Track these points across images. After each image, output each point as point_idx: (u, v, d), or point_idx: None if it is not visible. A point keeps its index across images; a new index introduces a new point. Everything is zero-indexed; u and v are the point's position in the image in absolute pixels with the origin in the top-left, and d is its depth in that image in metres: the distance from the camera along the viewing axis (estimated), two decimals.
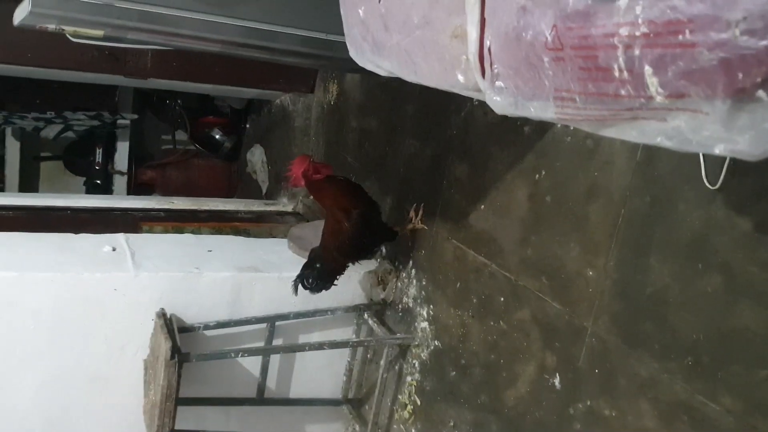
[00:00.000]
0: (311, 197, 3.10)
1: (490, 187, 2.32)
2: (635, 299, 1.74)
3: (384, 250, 2.97)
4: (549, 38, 0.77)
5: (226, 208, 3.90)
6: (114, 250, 2.77)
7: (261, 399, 2.91)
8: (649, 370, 1.69)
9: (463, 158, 2.48)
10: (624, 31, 0.66)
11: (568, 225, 1.98)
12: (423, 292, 2.69)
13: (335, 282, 2.61)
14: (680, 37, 0.60)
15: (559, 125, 1.99)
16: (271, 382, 2.95)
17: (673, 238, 1.65)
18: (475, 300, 2.38)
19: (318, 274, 2.55)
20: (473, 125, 2.44)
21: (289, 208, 4.03)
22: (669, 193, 1.67)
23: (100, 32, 2.03)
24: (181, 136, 5.28)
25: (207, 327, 2.71)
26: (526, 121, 2.14)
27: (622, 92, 0.70)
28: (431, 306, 2.64)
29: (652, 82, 0.66)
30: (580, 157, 1.94)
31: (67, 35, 2.08)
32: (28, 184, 5.21)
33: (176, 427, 2.44)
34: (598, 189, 1.88)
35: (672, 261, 1.64)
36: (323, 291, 2.60)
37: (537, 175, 2.10)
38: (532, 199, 2.13)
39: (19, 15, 1.99)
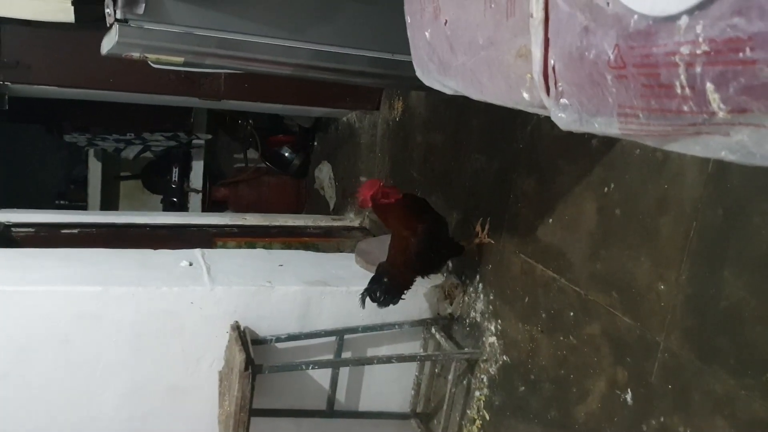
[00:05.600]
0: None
1: (557, 201, 2.31)
2: (709, 314, 1.71)
3: (450, 265, 2.98)
4: (611, 57, 0.79)
5: (296, 224, 3.99)
6: (190, 265, 2.87)
7: (331, 411, 2.95)
8: (724, 386, 1.65)
9: (530, 172, 2.48)
10: (685, 50, 0.68)
11: (638, 238, 1.95)
12: (490, 307, 2.69)
13: (403, 296, 2.63)
14: (741, 54, 0.62)
15: None
16: (341, 395, 2.99)
17: (748, 251, 1.61)
18: (543, 315, 2.36)
19: (385, 288, 2.56)
20: (540, 139, 2.43)
21: (356, 223, 4.09)
22: (743, 205, 1.63)
23: (180, 59, 2.14)
24: (252, 154, 5.43)
25: (278, 339, 2.78)
26: (593, 134, 2.12)
27: (685, 108, 0.71)
28: (499, 321, 2.63)
29: (714, 98, 0.67)
30: (649, 169, 1.92)
31: (149, 62, 2.19)
32: (108, 203, 5.44)
33: None
34: (668, 201, 1.85)
35: (747, 274, 1.61)
36: (391, 305, 2.62)
37: (606, 188, 2.08)
38: (601, 212, 2.11)
39: (107, 45, 2.10)
